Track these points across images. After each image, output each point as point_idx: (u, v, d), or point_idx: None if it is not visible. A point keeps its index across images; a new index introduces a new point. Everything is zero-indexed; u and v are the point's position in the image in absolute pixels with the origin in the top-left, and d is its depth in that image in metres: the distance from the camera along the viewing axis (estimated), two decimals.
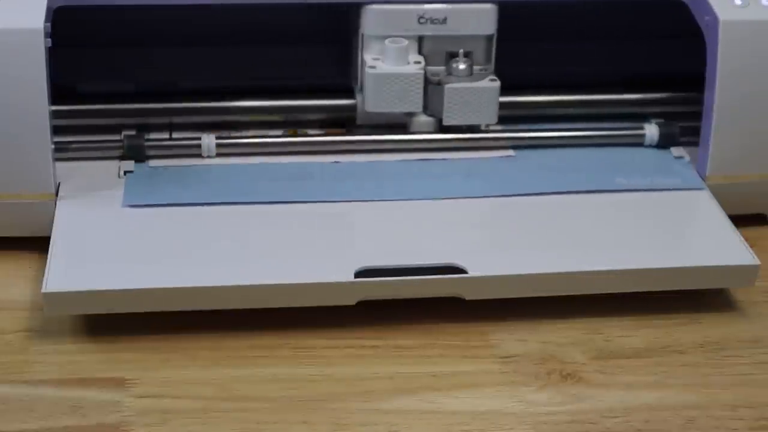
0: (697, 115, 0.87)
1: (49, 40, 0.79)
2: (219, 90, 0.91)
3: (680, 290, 0.80)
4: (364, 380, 0.73)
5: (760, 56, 0.84)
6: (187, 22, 0.90)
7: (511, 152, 0.89)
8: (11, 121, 0.79)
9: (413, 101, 0.87)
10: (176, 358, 0.74)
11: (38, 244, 0.81)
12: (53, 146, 0.81)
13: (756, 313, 0.80)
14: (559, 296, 0.78)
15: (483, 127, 0.90)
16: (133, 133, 0.88)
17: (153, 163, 0.86)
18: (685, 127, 0.91)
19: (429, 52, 0.88)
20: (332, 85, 0.92)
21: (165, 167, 0.86)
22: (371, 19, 0.86)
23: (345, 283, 0.75)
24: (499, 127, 0.92)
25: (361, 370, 0.74)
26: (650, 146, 0.91)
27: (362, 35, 0.87)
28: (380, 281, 0.76)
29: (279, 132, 0.90)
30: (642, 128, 0.91)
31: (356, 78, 0.89)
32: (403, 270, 0.76)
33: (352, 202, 0.83)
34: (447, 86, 0.87)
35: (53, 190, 0.82)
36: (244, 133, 0.90)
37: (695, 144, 0.88)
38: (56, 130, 0.82)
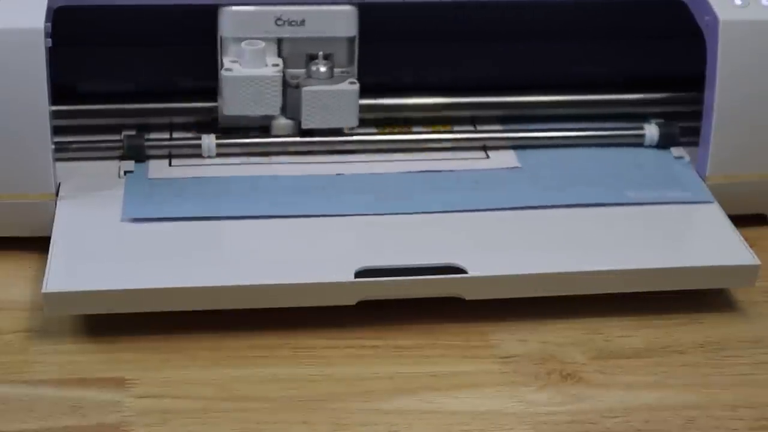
0: (697, 115, 0.87)
1: (50, 39, 0.79)
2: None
3: (680, 290, 0.80)
4: (364, 380, 0.73)
5: (760, 56, 0.84)
6: (187, 22, 0.90)
7: (516, 163, 0.89)
8: (11, 120, 0.79)
9: (270, 104, 0.85)
10: (176, 358, 0.74)
11: (38, 244, 0.81)
12: (53, 146, 0.81)
13: (756, 313, 0.80)
14: (559, 296, 0.78)
15: (346, 131, 0.89)
16: (133, 133, 0.88)
17: (152, 173, 0.86)
18: (685, 127, 0.91)
19: (289, 54, 0.87)
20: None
21: (164, 179, 0.85)
22: (228, 20, 0.85)
23: (345, 283, 0.75)
24: (499, 127, 0.92)
25: (361, 370, 0.74)
26: (650, 146, 0.91)
27: (220, 37, 0.86)
28: (380, 281, 0.76)
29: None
30: (642, 128, 0.91)
31: (219, 81, 0.88)
32: (403, 270, 0.76)
33: (356, 216, 0.82)
34: (304, 89, 0.86)
35: (53, 190, 0.82)
36: (244, 133, 0.90)
37: (695, 144, 0.88)
38: (56, 130, 0.82)
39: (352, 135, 0.89)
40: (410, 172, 0.87)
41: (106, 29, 0.89)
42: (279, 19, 0.85)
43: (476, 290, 0.77)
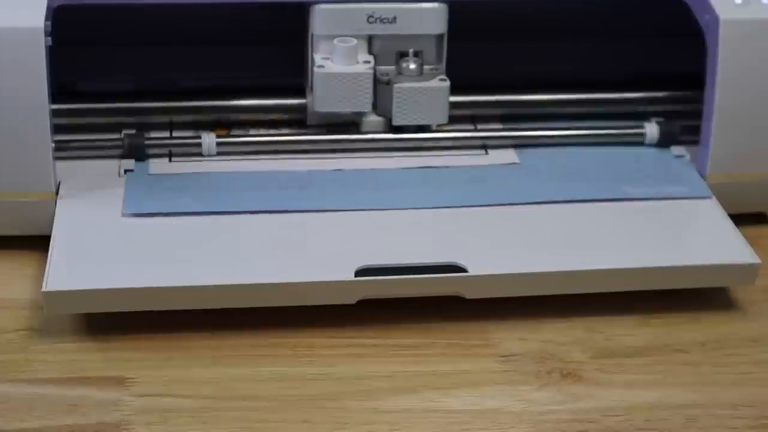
0: (698, 114, 0.87)
1: (50, 38, 0.79)
2: (219, 89, 0.91)
3: (681, 289, 0.80)
4: (364, 379, 0.73)
5: (760, 55, 0.84)
6: (187, 21, 0.90)
7: (515, 159, 0.89)
8: (11, 119, 0.79)
9: (362, 101, 0.86)
10: (176, 357, 0.74)
11: (38, 243, 0.81)
12: (53, 145, 0.81)
13: (756, 312, 0.80)
14: (559, 295, 0.78)
15: (434, 127, 0.89)
16: (133, 131, 0.88)
17: (153, 168, 0.86)
18: (685, 125, 0.91)
19: (379, 51, 0.87)
20: None
21: (165, 174, 0.85)
22: (320, 18, 0.85)
23: (345, 281, 0.75)
24: (500, 126, 0.92)
25: (362, 369, 0.74)
26: (650, 145, 0.91)
27: (312, 35, 0.86)
28: (381, 280, 0.76)
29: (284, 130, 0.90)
30: (642, 127, 0.91)
31: (308, 78, 0.88)
32: (404, 269, 0.76)
33: (355, 212, 0.82)
34: (396, 86, 0.86)
35: (53, 189, 0.82)
36: (244, 132, 0.90)
37: (696, 143, 0.88)
38: (56, 129, 0.82)
39: (352, 133, 0.89)
40: (409, 168, 0.87)
41: (107, 28, 0.89)
42: (371, 16, 0.85)
43: (477, 289, 0.77)
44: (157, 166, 0.86)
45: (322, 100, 0.86)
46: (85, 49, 0.89)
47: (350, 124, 0.89)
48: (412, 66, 0.87)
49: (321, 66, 0.85)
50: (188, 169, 0.86)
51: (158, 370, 0.73)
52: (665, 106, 0.93)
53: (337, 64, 0.86)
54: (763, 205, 0.89)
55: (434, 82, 0.87)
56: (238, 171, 0.86)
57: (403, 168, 0.87)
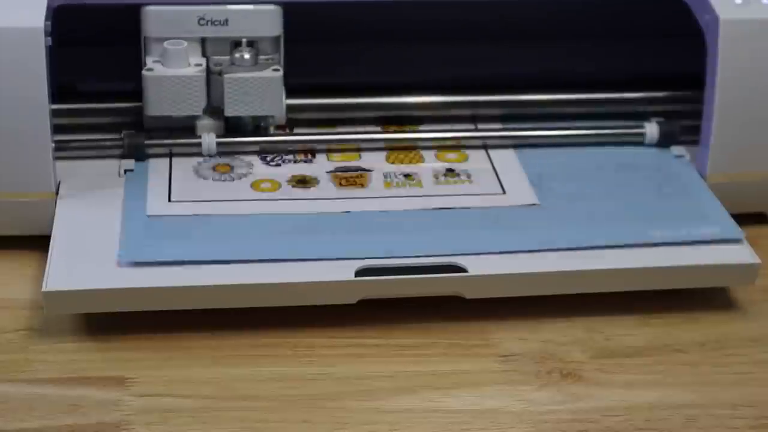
0: (698, 114, 0.87)
1: (50, 38, 0.79)
2: None
3: (680, 289, 0.80)
4: (364, 379, 0.73)
5: (760, 55, 0.84)
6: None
7: (535, 201, 0.83)
8: (11, 119, 0.79)
9: (193, 104, 0.85)
10: (177, 357, 0.74)
11: (38, 243, 0.80)
12: (53, 145, 0.81)
13: (756, 312, 0.80)
14: (559, 295, 0.78)
15: (271, 121, 0.88)
16: (133, 131, 0.88)
17: (150, 210, 0.81)
18: (685, 125, 0.91)
19: (213, 53, 0.86)
20: (333, 84, 0.92)
21: (165, 216, 0.81)
22: (150, 21, 0.85)
23: (346, 281, 0.75)
24: (500, 126, 0.92)
25: (362, 369, 0.74)
26: (650, 145, 0.91)
27: (144, 38, 0.85)
28: (381, 280, 0.76)
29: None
30: (642, 127, 0.91)
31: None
32: (404, 269, 0.76)
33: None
34: (226, 76, 0.85)
35: (53, 189, 0.82)
36: (243, 132, 0.90)
37: (695, 143, 0.88)
38: (56, 129, 0.82)
39: (352, 133, 0.89)
40: (424, 209, 0.83)
41: (106, 28, 0.89)
42: (202, 18, 0.84)
43: (477, 289, 0.77)
44: (156, 206, 0.81)
45: (153, 104, 0.85)
46: (85, 49, 0.89)
47: (185, 128, 0.87)
48: (246, 56, 0.85)
49: (150, 69, 0.84)
50: (188, 209, 0.81)
51: (158, 370, 0.73)
52: (665, 106, 0.93)
53: (168, 67, 0.84)
54: (763, 205, 0.89)
55: (267, 72, 0.85)
56: (241, 214, 0.81)
57: (418, 209, 0.82)
